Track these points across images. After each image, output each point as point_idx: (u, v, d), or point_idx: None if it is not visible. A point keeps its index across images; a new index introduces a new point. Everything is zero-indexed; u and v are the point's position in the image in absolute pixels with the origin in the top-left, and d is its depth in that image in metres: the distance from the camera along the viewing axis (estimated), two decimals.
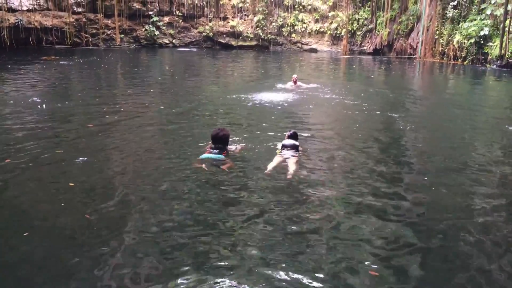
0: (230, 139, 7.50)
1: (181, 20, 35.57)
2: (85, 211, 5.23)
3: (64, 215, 5.20)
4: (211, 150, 7.06)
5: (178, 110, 11.53)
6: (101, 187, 6.04)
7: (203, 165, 6.70)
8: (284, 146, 7.33)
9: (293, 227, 4.96)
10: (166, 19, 35.25)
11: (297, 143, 7.44)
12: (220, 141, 7.11)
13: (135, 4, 33.70)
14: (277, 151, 7.35)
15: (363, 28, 34.80)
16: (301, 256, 4.35)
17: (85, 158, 7.03)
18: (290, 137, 7.53)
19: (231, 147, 7.45)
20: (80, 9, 32.04)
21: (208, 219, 5.09)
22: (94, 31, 32.89)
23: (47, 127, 9.36)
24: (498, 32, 22.64)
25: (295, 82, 15.07)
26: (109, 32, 33.49)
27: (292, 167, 6.79)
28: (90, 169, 6.69)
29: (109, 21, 33.27)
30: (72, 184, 6.01)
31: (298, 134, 7.83)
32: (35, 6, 29.87)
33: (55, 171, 6.62)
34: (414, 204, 5.69)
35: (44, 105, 11.45)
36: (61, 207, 5.39)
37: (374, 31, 33.77)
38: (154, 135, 8.96)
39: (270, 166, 6.82)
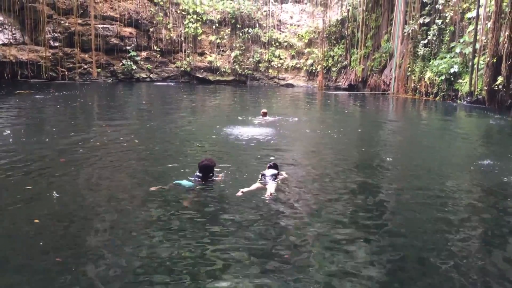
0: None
1: (158, 55, 35.83)
2: (48, 244, 5.10)
3: (28, 252, 5.05)
4: (194, 177, 7.52)
5: (153, 145, 11.48)
6: (70, 222, 5.91)
7: (159, 187, 7.26)
8: (263, 175, 7.68)
9: (261, 248, 4.95)
10: (144, 54, 35.46)
11: (276, 172, 7.79)
12: (201, 170, 7.49)
13: (112, 39, 33.86)
14: (258, 180, 7.68)
15: (338, 65, 35.68)
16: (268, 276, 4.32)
17: (55, 193, 6.89)
18: (270, 167, 7.91)
19: (217, 176, 7.83)
20: (56, 44, 31.99)
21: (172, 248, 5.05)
22: (71, 65, 32.79)
23: (18, 161, 9.16)
24: (467, 69, 23.43)
25: (263, 115, 15.85)
26: (86, 66, 33.43)
27: (269, 189, 7.19)
28: (59, 204, 6.55)
29: (86, 56, 33.25)
30: (37, 220, 5.87)
31: (278, 165, 8.20)
32: (11, 40, 29.75)
33: (23, 206, 6.46)
34: (386, 232, 5.74)
35: (16, 139, 11.25)
36: (26, 244, 5.23)
37: (348, 68, 34.61)
38: (128, 170, 8.86)
39: (245, 189, 7.19)
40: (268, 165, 8.05)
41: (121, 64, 34.60)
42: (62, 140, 11.59)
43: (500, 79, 19.24)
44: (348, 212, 6.63)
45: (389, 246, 5.47)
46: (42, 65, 31.13)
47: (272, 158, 9.58)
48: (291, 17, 38.21)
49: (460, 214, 6.75)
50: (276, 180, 7.63)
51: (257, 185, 7.51)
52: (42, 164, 9.01)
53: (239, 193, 7.07)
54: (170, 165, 9.20)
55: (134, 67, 34.91)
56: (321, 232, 5.81)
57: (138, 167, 9.16)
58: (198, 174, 7.53)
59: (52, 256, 4.96)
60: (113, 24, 33.92)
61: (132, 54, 34.62)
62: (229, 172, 8.35)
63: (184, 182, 7.33)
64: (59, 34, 31.95)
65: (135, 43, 35.03)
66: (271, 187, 7.31)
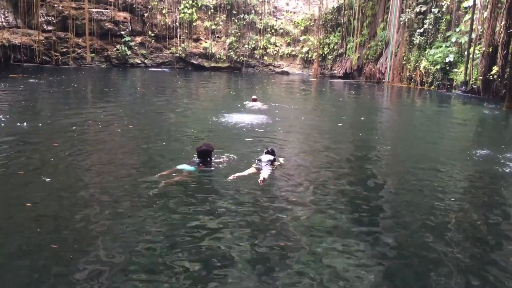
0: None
1: (153, 41, 35.54)
2: (41, 230, 5.07)
3: (20, 237, 5.02)
4: (191, 161, 7.64)
5: (147, 129, 11.45)
6: (62, 206, 5.88)
7: (169, 173, 7.27)
8: (259, 160, 7.71)
9: (254, 239, 4.96)
10: (138, 39, 35.16)
11: (272, 158, 7.81)
12: (200, 155, 7.63)
13: (107, 24, 33.52)
14: (253, 165, 7.71)
15: (334, 53, 35.57)
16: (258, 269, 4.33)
17: (49, 179, 6.84)
18: (267, 153, 7.95)
19: (216, 159, 8.00)
20: (50, 27, 31.64)
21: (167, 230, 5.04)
22: (64, 50, 32.48)
23: (10, 146, 9.08)
24: (462, 59, 23.43)
25: (254, 101, 16.59)
26: (79, 51, 33.11)
27: (262, 175, 7.20)
28: (51, 189, 6.51)
29: (80, 40, 32.92)
30: (29, 204, 5.83)
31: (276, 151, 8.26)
32: (4, 24, 29.39)
33: (15, 191, 6.42)
34: (381, 218, 5.76)
35: (8, 123, 11.15)
36: (18, 230, 5.20)
37: (344, 56, 34.51)
38: (123, 154, 8.82)
39: (237, 174, 7.24)
40: (265, 150, 8.08)
41: (115, 49, 34.29)
42: (55, 125, 11.52)
43: (495, 68, 19.28)
44: (343, 201, 6.62)
45: (385, 237, 5.46)
46: (36, 49, 30.82)
47: (270, 144, 9.59)
48: (287, 4, 37.93)
49: (456, 203, 6.76)
50: (271, 166, 7.64)
51: (250, 170, 7.51)
52: (35, 149, 8.94)
53: (231, 177, 7.09)
54: (165, 150, 9.27)
55: (129, 52, 34.61)
56: (315, 220, 5.80)
57: (132, 151, 9.13)
58: (196, 159, 7.64)
59: (46, 242, 4.93)
60: (107, 9, 33.58)
61: (127, 39, 34.30)
62: (226, 157, 8.38)
63: (187, 167, 7.44)
64: (53, 18, 31.60)
65: (130, 28, 34.70)
66: (264, 173, 7.31)
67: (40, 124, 11.46)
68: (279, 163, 8.10)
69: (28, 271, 4.30)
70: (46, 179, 6.81)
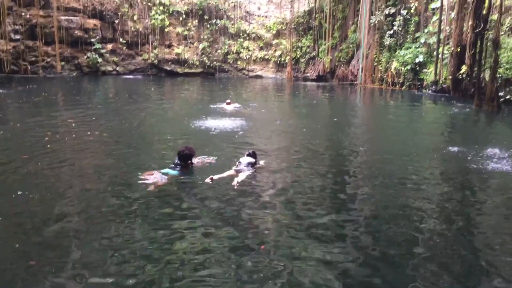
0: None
1: (125, 47, 35.12)
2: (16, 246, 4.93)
3: None
4: (173, 165, 7.73)
5: (122, 137, 11.30)
6: (35, 221, 5.72)
7: (152, 176, 7.31)
8: (240, 163, 7.79)
9: (231, 239, 4.92)
10: (110, 46, 34.70)
11: (253, 160, 7.89)
12: (181, 159, 7.73)
13: (76, 31, 32.96)
14: (233, 167, 7.77)
15: (306, 56, 35.83)
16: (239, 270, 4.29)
17: (18, 192, 6.66)
18: (249, 155, 8.02)
19: (197, 160, 8.13)
20: (18, 36, 30.94)
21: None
22: (33, 59, 31.76)
23: None
24: (432, 59, 23.90)
25: (228, 104, 17.25)
26: (49, 59, 32.45)
27: (239, 178, 7.26)
28: (23, 202, 6.33)
29: (49, 49, 32.27)
30: None
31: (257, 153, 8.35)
32: None
33: None
34: (356, 216, 5.80)
35: None
36: None
37: (317, 58, 34.79)
38: (97, 163, 8.65)
39: (215, 176, 7.28)
40: (246, 153, 8.14)
41: (86, 57, 33.76)
42: (25, 136, 11.22)
43: (464, 68, 19.71)
44: (321, 201, 6.68)
45: (363, 234, 5.51)
46: (4, 59, 30.09)
47: (249, 146, 9.61)
48: (259, 8, 38.05)
49: (429, 200, 6.88)
50: (251, 169, 7.68)
51: (229, 172, 7.56)
52: (4, 161, 8.69)
53: (208, 180, 7.12)
54: (142, 156, 9.23)
55: (100, 60, 34.11)
56: (294, 221, 5.82)
57: (107, 160, 8.96)
58: (178, 162, 7.73)
59: (23, 259, 4.79)
60: (76, 16, 33.04)
61: (97, 47, 33.80)
62: (207, 159, 8.44)
63: (171, 171, 7.54)
64: (20, 27, 30.94)
65: (100, 36, 34.22)
66: (241, 175, 7.35)
67: (9, 135, 11.17)
68: (259, 165, 8.11)
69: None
70: (18, 192, 6.62)
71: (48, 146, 9.93)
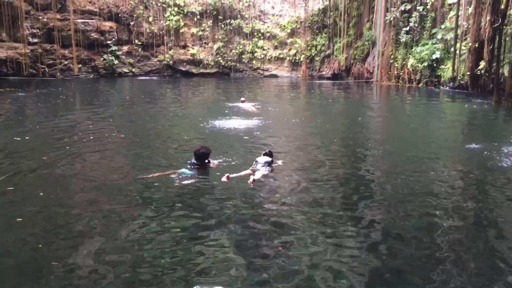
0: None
1: (140, 49, 35.40)
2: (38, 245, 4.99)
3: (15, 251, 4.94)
4: (190, 165, 7.80)
5: (139, 138, 11.39)
6: (55, 222, 5.79)
7: (174, 175, 7.44)
8: (256, 162, 7.77)
9: (247, 238, 4.91)
10: (125, 48, 35.00)
11: (270, 159, 7.85)
12: (197, 158, 7.77)
13: (92, 34, 33.32)
14: (251, 167, 7.76)
15: (321, 54, 35.68)
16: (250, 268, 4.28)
17: (41, 193, 6.74)
18: (265, 154, 7.98)
19: (213, 161, 8.11)
20: (36, 40, 31.38)
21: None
22: (51, 62, 32.21)
23: None
24: (449, 55, 23.61)
25: (242, 102, 17.44)
26: (66, 62, 32.86)
27: (255, 176, 7.27)
28: (43, 203, 6.41)
29: (66, 51, 32.68)
30: (20, 219, 5.74)
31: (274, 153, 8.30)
32: None
33: (5, 208, 6.31)
34: (372, 217, 5.74)
35: None
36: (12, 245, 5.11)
37: (332, 57, 34.63)
38: (116, 164, 8.73)
39: (232, 175, 7.28)
40: (263, 152, 8.11)
41: (102, 59, 34.09)
42: (45, 137, 11.38)
43: (482, 63, 19.42)
44: (338, 201, 6.61)
45: (382, 235, 5.44)
46: (22, 62, 30.56)
47: (265, 146, 9.60)
48: (273, 7, 38.00)
49: (451, 199, 6.79)
50: (268, 168, 7.66)
51: (246, 171, 7.56)
52: (24, 163, 8.80)
53: (224, 178, 7.13)
54: (160, 156, 9.28)
55: (116, 61, 34.42)
56: (311, 223, 5.77)
57: (125, 161, 9.04)
58: (194, 161, 7.78)
59: (44, 259, 4.85)
60: (92, 19, 33.40)
61: (113, 49, 34.12)
62: (223, 159, 8.48)
63: (187, 171, 7.60)
64: (38, 30, 31.36)
65: (116, 38, 34.54)
66: (258, 174, 7.35)
67: (27, 138, 11.32)
68: (276, 164, 8.10)
69: None
70: (41, 193, 6.71)
71: (67, 147, 10.04)
